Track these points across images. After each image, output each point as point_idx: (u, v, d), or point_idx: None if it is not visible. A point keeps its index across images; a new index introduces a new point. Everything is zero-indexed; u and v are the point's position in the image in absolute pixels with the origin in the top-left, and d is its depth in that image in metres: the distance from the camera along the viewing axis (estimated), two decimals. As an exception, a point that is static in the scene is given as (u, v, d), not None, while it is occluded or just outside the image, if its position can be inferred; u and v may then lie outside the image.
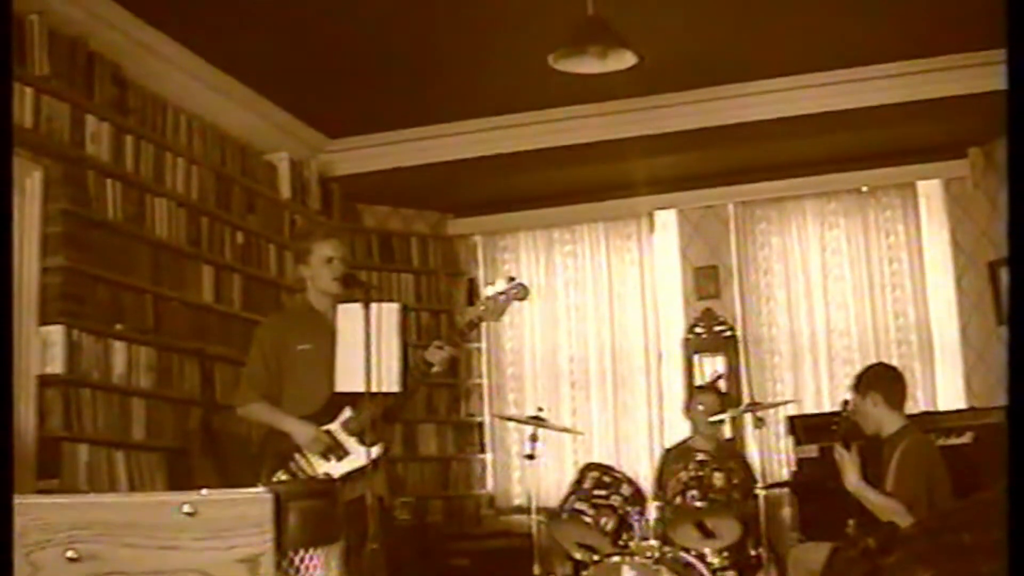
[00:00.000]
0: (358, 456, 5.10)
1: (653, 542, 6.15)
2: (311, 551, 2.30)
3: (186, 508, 2.25)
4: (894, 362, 7.14)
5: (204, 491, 2.28)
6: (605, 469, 6.51)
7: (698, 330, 9.11)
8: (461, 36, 7.15)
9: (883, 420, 5.73)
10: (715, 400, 7.50)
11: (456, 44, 7.26)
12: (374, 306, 4.91)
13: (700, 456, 6.59)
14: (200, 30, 6.89)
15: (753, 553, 6.45)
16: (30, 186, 5.98)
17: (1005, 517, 2.28)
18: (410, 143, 8.74)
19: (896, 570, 4.89)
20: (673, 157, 8.61)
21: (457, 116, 8.48)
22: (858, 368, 6.60)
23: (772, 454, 8.37)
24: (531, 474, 6.86)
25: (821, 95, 7.93)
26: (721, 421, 7.45)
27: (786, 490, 7.70)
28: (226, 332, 7.37)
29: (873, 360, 7.55)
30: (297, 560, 2.27)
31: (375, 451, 4.95)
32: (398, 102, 8.15)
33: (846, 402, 5.92)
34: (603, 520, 6.22)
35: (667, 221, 9.35)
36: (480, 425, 9.63)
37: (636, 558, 5.95)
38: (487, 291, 5.49)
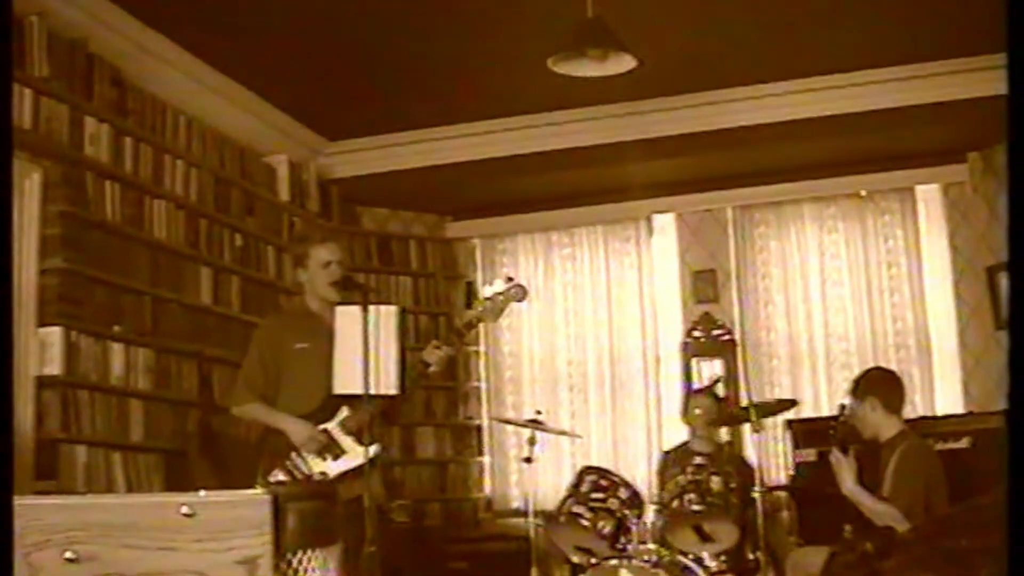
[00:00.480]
0: (355, 455, 5.11)
1: (651, 546, 6.16)
2: (309, 552, 2.30)
3: (185, 509, 2.25)
4: (892, 367, 7.13)
5: (202, 493, 2.29)
6: (603, 472, 6.51)
7: (696, 334, 9.11)
8: (460, 39, 7.15)
9: (881, 424, 5.74)
10: (712, 404, 7.50)
11: (455, 47, 7.26)
12: (372, 309, 4.91)
13: (698, 460, 6.59)
14: (200, 32, 6.89)
15: (751, 557, 6.45)
16: (29, 187, 5.98)
17: (1003, 522, 2.28)
18: (409, 146, 8.74)
19: (893, 574, 4.89)
20: (672, 161, 8.60)
21: (456, 119, 8.48)
22: (856, 373, 6.61)
23: (770, 458, 8.35)
24: (529, 477, 6.84)
25: (820, 99, 7.94)
26: (720, 425, 7.46)
27: (784, 494, 7.70)
28: (224, 334, 7.37)
29: (871, 364, 7.55)
30: (296, 561, 2.28)
31: (372, 450, 4.95)
32: (397, 105, 8.15)
33: (843, 406, 5.93)
34: (601, 523, 6.21)
35: (666, 225, 9.35)
36: (478, 428, 9.63)
37: (634, 562, 5.95)
38: (485, 291, 5.50)
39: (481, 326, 9.21)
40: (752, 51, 7.49)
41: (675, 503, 6.29)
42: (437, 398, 9.46)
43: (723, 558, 6.34)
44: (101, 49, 6.51)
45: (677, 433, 8.37)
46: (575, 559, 6.46)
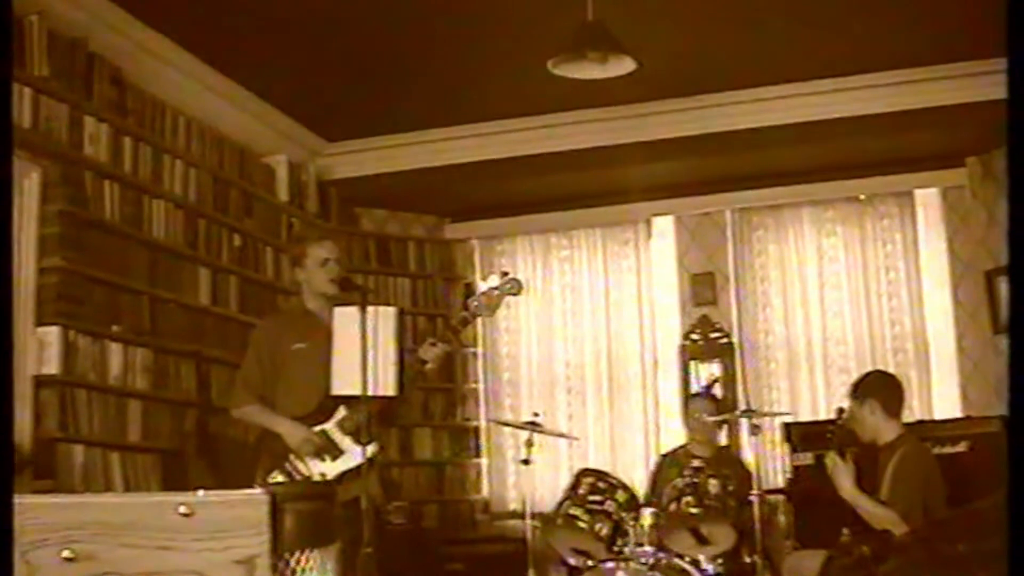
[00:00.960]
0: (353, 455, 5.11)
1: (648, 548, 6.14)
2: (307, 553, 2.30)
3: (183, 509, 2.25)
4: (890, 370, 7.13)
5: (201, 492, 2.29)
6: (600, 475, 6.50)
7: (694, 337, 9.11)
8: (460, 41, 7.16)
9: (880, 428, 5.74)
10: (710, 406, 7.49)
11: (455, 49, 7.27)
12: (371, 310, 4.91)
13: (695, 462, 6.58)
14: (200, 33, 6.90)
15: (748, 560, 6.44)
16: (28, 186, 5.98)
17: (1002, 526, 2.29)
18: (408, 147, 8.75)
19: (891, 578, 4.89)
20: (671, 163, 8.61)
21: (456, 120, 8.49)
22: (854, 376, 6.61)
23: (768, 461, 8.36)
24: (526, 479, 6.86)
25: (819, 103, 7.95)
26: (719, 425, 7.45)
27: (782, 497, 7.69)
28: (223, 334, 7.38)
29: (869, 368, 7.55)
30: (293, 561, 2.28)
31: (370, 450, 4.95)
32: (397, 106, 8.16)
33: (841, 410, 5.93)
34: (598, 526, 6.20)
35: (664, 227, 9.36)
36: (476, 430, 9.63)
37: (631, 564, 5.94)
38: (480, 287, 5.50)
39: (479, 327, 9.40)
40: (752, 54, 7.50)
41: (672, 506, 6.28)
42: (435, 399, 9.47)
43: (720, 561, 6.32)
44: (101, 49, 6.51)
45: (675, 436, 8.39)
46: (572, 561, 6.45)
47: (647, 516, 6.29)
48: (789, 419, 7.87)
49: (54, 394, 5.94)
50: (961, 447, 6.80)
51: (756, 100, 8.03)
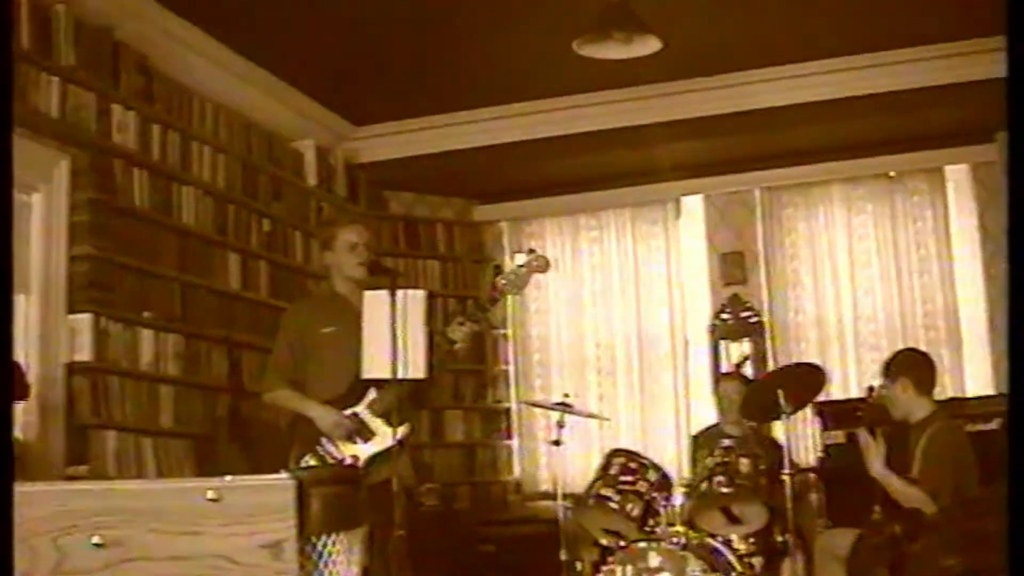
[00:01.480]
0: (384, 437, 5.12)
1: (679, 528, 6.15)
2: (334, 536, 2.32)
3: (210, 494, 2.27)
4: (921, 348, 7.09)
5: (228, 478, 2.31)
6: (631, 455, 6.51)
7: (724, 316, 9.09)
8: (486, 22, 7.15)
9: (912, 406, 5.71)
10: (740, 386, 7.48)
11: (481, 30, 7.27)
12: (400, 293, 4.92)
13: (726, 442, 6.58)
14: (225, 19, 6.91)
15: (779, 539, 6.44)
16: (57, 175, 6.02)
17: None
18: (436, 130, 8.76)
19: (921, 557, 4.89)
20: (699, 143, 8.59)
21: (483, 103, 8.49)
22: (885, 355, 6.58)
23: (799, 440, 8.35)
24: (557, 460, 6.86)
25: (848, 79, 7.91)
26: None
27: (813, 476, 7.68)
28: (253, 319, 7.41)
29: (900, 346, 7.52)
30: (320, 545, 2.29)
31: (401, 431, 4.96)
32: (424, 89, 8.16)
33: (871, 388, 5.90)
34: (629, 506, 6.22)
35: (693, 207, 9.34)
36: (507, 411, 9.65)
37: (662, 544, 5.95)
38: (508, 265, 5.50)
39: (508, 309, 9.41)
40: (779, 32, 7.46)
41: (704, 485, 6.28)
42: (465, 381, 9.49)
43: (752, 540, 6.33)
44: (127, 37, 6.53)
45: (705, 416, 8.38)
46: (604, 541, 6.47)
47: (678, 496, 6.31)
48: (821, 397, 7.84)
49: (86, 381, 5.98)
50: (993, 424, 6.76)
51: (783, 77, 8.00)
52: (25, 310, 5.81)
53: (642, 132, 8.39)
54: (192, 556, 2.25)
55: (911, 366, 5.83)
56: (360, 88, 8.18)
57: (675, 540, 5.98)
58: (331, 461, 5.21)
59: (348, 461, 5.18)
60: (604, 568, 6.11)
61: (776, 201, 9.12)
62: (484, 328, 6.99)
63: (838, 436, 7.35)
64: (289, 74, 7.84)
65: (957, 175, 8.72)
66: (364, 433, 5.22)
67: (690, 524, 6.23)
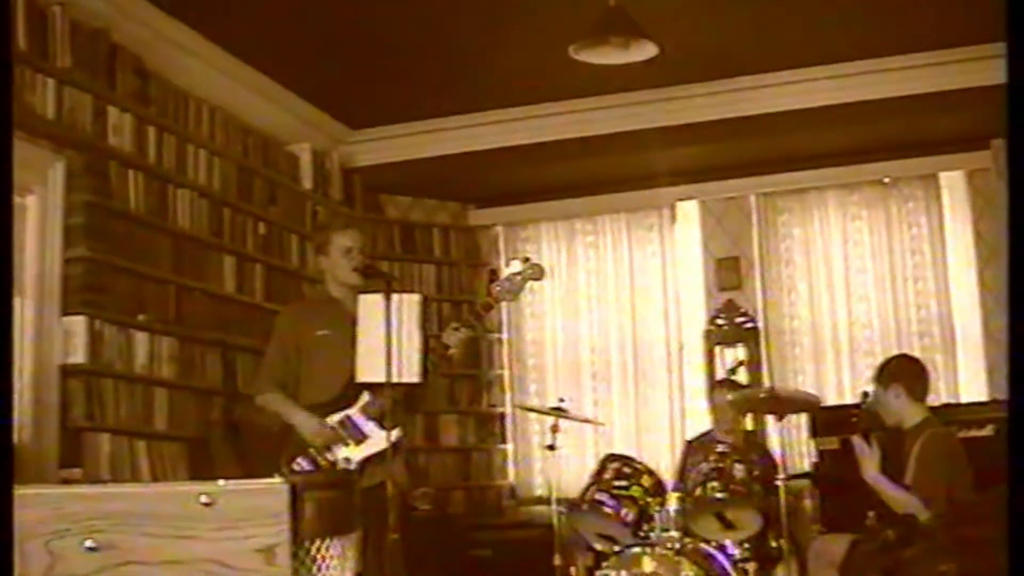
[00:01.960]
0: (377, 440, 5.12)
1: (674, 533, 6.15)
2: (327, 541, 2.32)
3: (203, 499, 2.27)
4: (916, 354, 7.10)
5: (221, 482, 2.31)
6: (626, 460, 6.51)
7: (719, 321, 9.09)
8: (483, 27, 7.15)
9: (905, 412, 5.72)
10: (736, 391, 7.47)
11: (478, 35, 7.27)
12: (395, 297, 4.92)
13: (721, 448, 6.58)
14: (222, 21, 6.91)
15: (774, 545, 6.43)
16: (52, 177, 6.01)
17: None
18: (432, 134, 8.76)
19: (916, 563, 4.89)
20: (695, 148, 8.59)
21: (479, 107, 8.48)
22: (880, 360, 6.58)
23: (793, 446, 8.34)
24: (552, 465, 6.85)
25: (843, 86, 7.91)
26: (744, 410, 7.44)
27: (807, 482, 7.68)
28: (248, 322, 7.39)
29: (895, 352, 7.52)
30: (314, 550, 2.29)
31: (395, 435, 4.96)
32: (420, 93, 8.16)
33: (866, 394, 5.91)
34: (624, 511, 6.21)
35: (689, 212, 9.33)
36: (501, 416, 9.64)
37: (657, 549, 5.95)
38: (503, 272, 5.52)
39: (504, 314, 9.40)
40: (775, 38, 7.47)
41: (698, 491, 6.29)
42: (460, 386, 9.48)
43: (746, 546, 6.33)
44: (124, 39, 6.52)
45: (700, 421, 8.38)
46: (598, 547, 6.47)
47: (673, 501, 6.31)
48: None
49: (81, 383, 5.96)
50: (987, 431, 6.77)
51: (779, 84, 8.01)
52: (20, 312, 5.80)
53: (638, 137, 8.39)
54: (185, 560, 2.24)
55: (904, 372, 5.85)
56: (356, 92, 8.17)
57: (669, 545, 5.98)
58: (324, 464, 5.22)
59: (341, 465, 5.19)
60: (598, 573, 6.11)
61: (771, 207, 9.12)
62: (479, 333, 6.99)
63: (832, 442, 7.35)
64: (285, 77, 7.83)
65: (952, 181, 8.71)
66: (353, 437, 5.23)
67: (684, 529, 6.23)
